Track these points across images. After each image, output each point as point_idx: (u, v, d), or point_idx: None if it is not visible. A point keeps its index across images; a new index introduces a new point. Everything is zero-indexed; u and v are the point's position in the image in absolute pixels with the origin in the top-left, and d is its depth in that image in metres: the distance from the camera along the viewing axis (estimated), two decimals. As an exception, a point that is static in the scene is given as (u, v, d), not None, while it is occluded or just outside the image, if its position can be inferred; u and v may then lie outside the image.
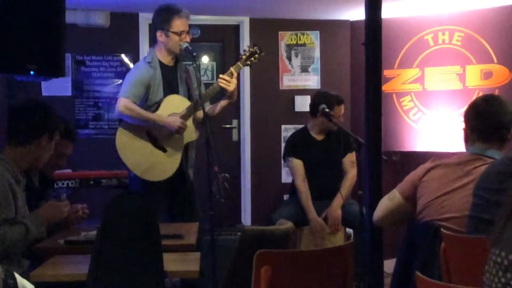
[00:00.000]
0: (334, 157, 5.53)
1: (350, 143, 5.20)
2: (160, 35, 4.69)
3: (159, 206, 4.61)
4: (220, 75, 4.71)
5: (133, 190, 4.71)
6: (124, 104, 4.59)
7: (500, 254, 1.51)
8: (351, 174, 5.48)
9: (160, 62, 4.71)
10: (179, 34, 4.64)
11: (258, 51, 4.74)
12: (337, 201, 5.38)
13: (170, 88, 4.72)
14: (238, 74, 4.75)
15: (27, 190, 3.63)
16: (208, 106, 4.77)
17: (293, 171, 5.57)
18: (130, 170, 4.72)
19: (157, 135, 4.66)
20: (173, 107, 4.66)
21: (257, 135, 6.79)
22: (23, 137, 3.40)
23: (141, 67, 4.77)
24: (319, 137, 5.57)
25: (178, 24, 4.66)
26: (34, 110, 3.49)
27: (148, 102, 4.66)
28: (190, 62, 4.65)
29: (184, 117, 4.65)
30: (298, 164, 5.51)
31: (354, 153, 5.22)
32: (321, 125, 5.48)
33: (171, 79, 4.74)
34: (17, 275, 1.95)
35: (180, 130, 4.61)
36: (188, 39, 4.68)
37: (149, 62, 4.70)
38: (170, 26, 4.65)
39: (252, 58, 4.74)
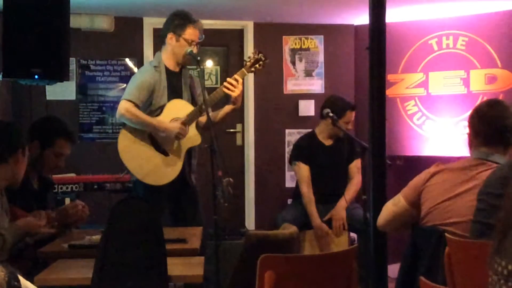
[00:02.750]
0: (340, 162, 5.53)
1: (354, 148, 5.21)
2: (170, 38, 4.68)
3: (162, 211, 4.61)
4: (225, 81, 4.70)
5: (137, 195, 4.71)
6: (126, 107, 4.58)
7: (501, 263, 1.50)
8: (356, 180, 5.49)
9: (166, 67, 4.71)
10: (189, 42, 4.65)
11: (263, 58, 4.74)
12: (341, 203, 5.39)
13: (175, 93, 4.72)
14: (243, 80, 4.74)
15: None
16: (210, 112, 4.77)
17: (298, 176, 5.57)
18: (131, 174, 4.72)
19: (159, 139, 4.65)
20: (176, 111, 4.66)
21: (261, 139, 6.79)
22: (1, 156, 3.36)
23: (147, 71, 4.77)
24: (327, 142, 5.57)
25: (191, 33, 4.67)
26: (4, 129, 3.47)
27: (151, 107, 4.66)
28: (194, 67, 4.66)
29: (187, 122, 4.64)
30: (304, 169, 5.51)
31: (360, 159, 5.24)
32: (327, 129, 5.48)
33: (176, 84, 4.74)
34: (21, 278, 1.95)
35: (179, 136, 4.61)
36: (195, 50, 4.68)
37: (155, 67, 4.69)
38: (183, 32, 4.65)
39: (257, 65, 4.74)
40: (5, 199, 3.42)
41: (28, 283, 2.25)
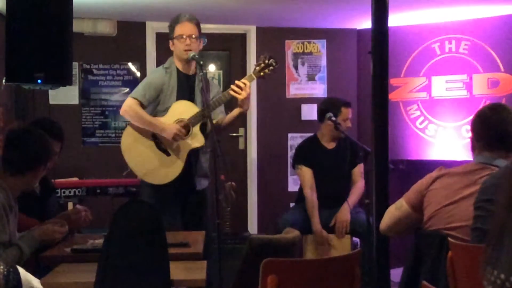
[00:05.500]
0: (343, 166, 5.53)
1: (357, 152, 5.21)
2: (171, 45, 4.77)
3: (169, 214, 4.60)
4: (232, 84, 4.68)
5: (140, 199, 4.70)
6: (129, 103, 4.64)
7: (493, 272, 1.50)
8: (360, 184, 5.48)
9: (178, 70, 4.73)
10: (179, 38, 4.67)
11: (274, 64, 4.71)
12: (346, 207, 5.37)
13: (185, 95, 4.72)
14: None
15: (28, 198, 3.61)
16: (222, 115, 4.78)
17: (302, 179, 5.56)
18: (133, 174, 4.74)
19: (162, 139, 4.67)
20: (181, 112, 4.66)
21: (263, 143, 6.79)
22: (17, 169, 3.33)
23: (157, 71, 4.86)
24: (330, 146, 5.57)
25: (178, 29, 4.71)
26: (29, 142, 3.41)
27: (159, 107, 4.69)
28: (204, 72, 4.66)
29: (189, 124, 4.64)
30: (307, 172, 5.50)
31: (362, 164, 5.25)
32: (329, 133, 5.49)
33: (188, 87, 4.75)
34: (21, 270, 1.96)
35: (176, 137, 4.61)
36: (188, 41, 4.66)
37: (166, 68, 4.75)
38: (173, 33, 4.71)
39: (266, 70, 4.72)
40: (17, 208, 3.42)
41: (29, 276, 2.23)
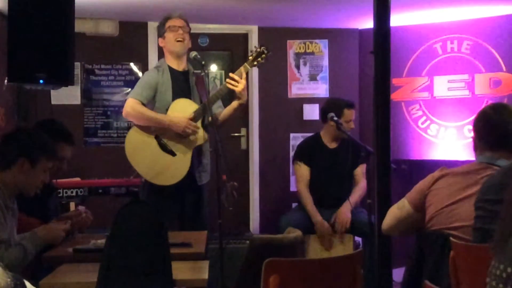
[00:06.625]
0: (344, 166, 5.52)
1: (359, 152, 5.21)
2: (160, 42, 4.85)
3: (168, 214, 4.60)
4: (228, 77, 4.70)
5: (143, 199, 4.71)
6: (131, 104, 4.65)
7: (499, 267, 1.50)
8: (362, 184, 5.48)
9: (171, 68, 4.75)
10: (171, 28, 4.71)
11: (266, 51, 4.73)
12: (346, 206, 5.36)
13: (180, 93, 4.74)
14: (247, 76, 4.74)
15: (28, 198, 3.61)
16: (220, 109, 4.79)
17: (297, 175, 5.59)
18: (140, 177, 4.74)
19: (165, 140, 4.67)
20: (181, 111, 4.67)
21: (265, 143, 6.79)
22: (4, 162, 3.33)
23: (150, 71, 4.95)
24: (332, 145, 5.57)
25: (170, 24, 4.78)
26: (12, 135, 3.44)
27: (157, 105, 4.71)
28: (199, 71, 4.68)
29: (193, 120, 4.65)
30: (304, 170, 5.53)
31: (365, 164, 5.24)
32: (332, 133, 5.49)
33: (183, 84, 4.77)
34: (27, 284, 1.95)
35: (187, 130, 4.61)
36: (180, 31, 4.72)
37: (158, 67, 4.80)
38: (164, 27, 4.80)
39: (259, 59, 4.73)
40: (16, 208, 3.41)
41: None
